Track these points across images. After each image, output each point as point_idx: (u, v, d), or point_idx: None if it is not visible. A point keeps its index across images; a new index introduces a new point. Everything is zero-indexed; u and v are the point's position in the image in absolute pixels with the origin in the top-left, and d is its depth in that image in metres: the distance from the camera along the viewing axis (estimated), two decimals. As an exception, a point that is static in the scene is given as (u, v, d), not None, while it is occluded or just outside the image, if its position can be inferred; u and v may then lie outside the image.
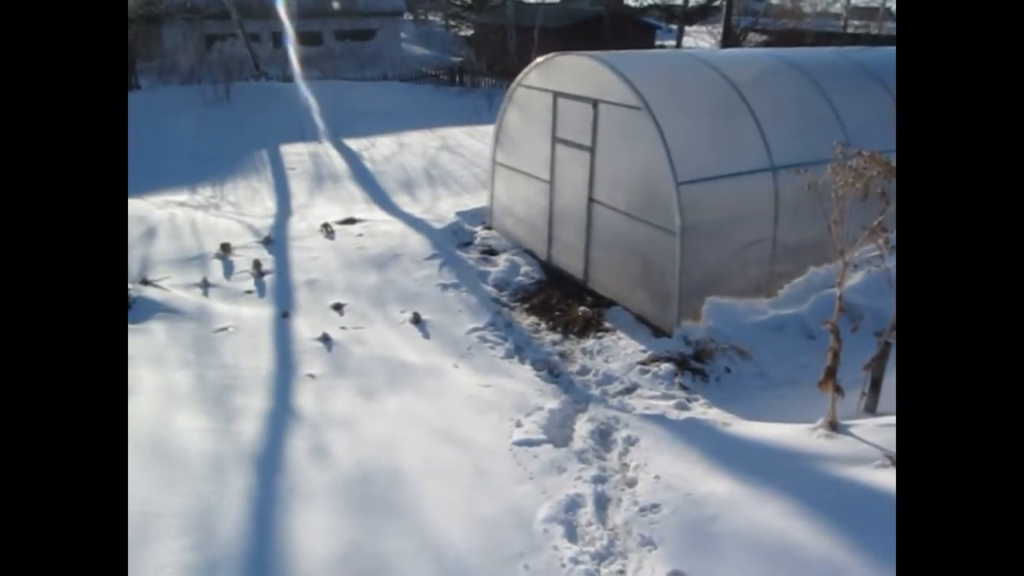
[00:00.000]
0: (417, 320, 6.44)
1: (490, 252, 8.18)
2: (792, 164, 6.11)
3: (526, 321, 6.71)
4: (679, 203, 5.86)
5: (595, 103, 6.72)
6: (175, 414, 4.51)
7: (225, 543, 3.41)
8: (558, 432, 4.72)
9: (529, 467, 4.23)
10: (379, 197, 10.82)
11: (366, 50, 27.44)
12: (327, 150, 13.65)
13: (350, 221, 9.03)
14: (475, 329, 6.36)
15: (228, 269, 7.36)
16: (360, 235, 8.42)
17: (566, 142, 7.29)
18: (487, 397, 5.09)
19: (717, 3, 31.84)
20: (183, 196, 10.69)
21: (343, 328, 6.17)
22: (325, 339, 5.80)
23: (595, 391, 5.47)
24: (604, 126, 6.71)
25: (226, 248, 7.74)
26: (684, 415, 5.01)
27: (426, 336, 6.23)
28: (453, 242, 8.34)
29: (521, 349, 6.15)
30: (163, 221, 8.69)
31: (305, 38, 24.25)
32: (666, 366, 5.64)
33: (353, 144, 13.97)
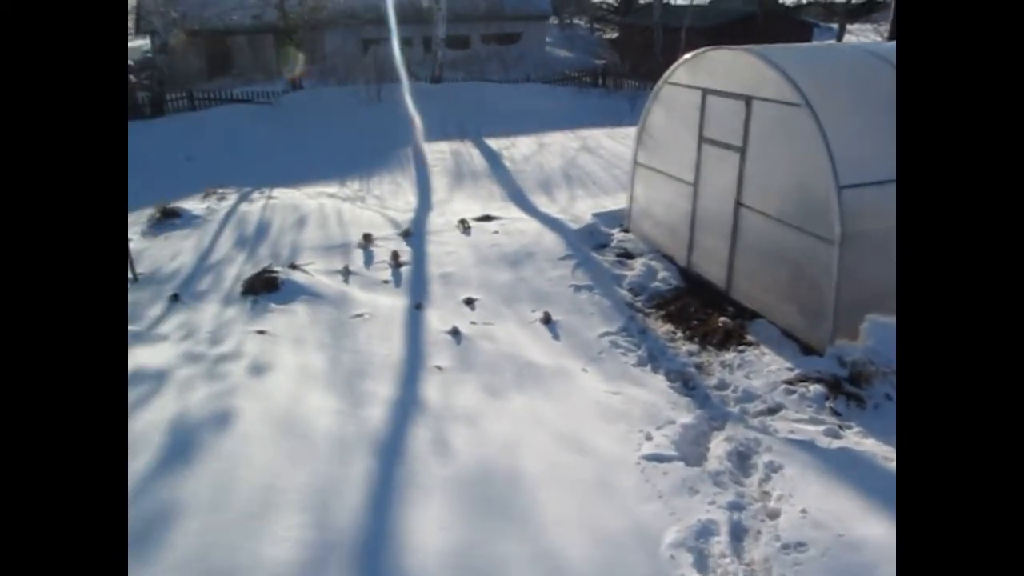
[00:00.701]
0: (548, 320, 6.29)
1: (626, 255, 7.88)
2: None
3: (661, 329, 6.36)
4: (840, 209, 5.29)
5: (748, 100, 6.25)
6: (308, 392, 4.65)
7: (343, 525, 3.42)
8: (691, 449, 4.38)
9: (658, 484, 3.94)
10: (516, 196, 10.82)
11: (511, 53, 27.85)
12: (468, 149, 13.90)
13: (487, 218, 9.07)
14: (607, 333, 6.12)
15: (368, 259, 7.60)
16: (496, 232, 8.43)
17: (714, 142, 6.85)
18: (616, 405, 4.84)
19: (885, -2, 29.26)
20: (333, 188, 11.26)
21: (473, 323, 6.14)
22: (455, 332, 5.80)
23: (734, 408, 5.05)
24: (757, 125, 6.23)
25: (368, 239, 8.02)
26: (836, 444, 4.48)
27: (556, 337, 6.07)
28: (588, 243, 8.13)
29: (655, 357, 5.82)
30: (313, 211, 9.17)
31: (454, 42, 24.97)
32: (816, 387, 5.10)
33: (494, 143, 14.14)
